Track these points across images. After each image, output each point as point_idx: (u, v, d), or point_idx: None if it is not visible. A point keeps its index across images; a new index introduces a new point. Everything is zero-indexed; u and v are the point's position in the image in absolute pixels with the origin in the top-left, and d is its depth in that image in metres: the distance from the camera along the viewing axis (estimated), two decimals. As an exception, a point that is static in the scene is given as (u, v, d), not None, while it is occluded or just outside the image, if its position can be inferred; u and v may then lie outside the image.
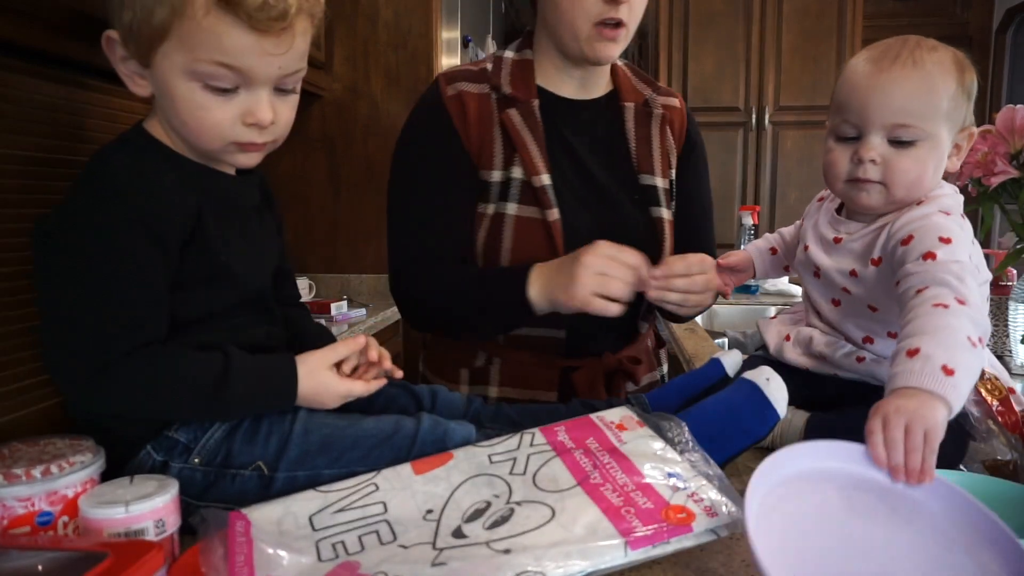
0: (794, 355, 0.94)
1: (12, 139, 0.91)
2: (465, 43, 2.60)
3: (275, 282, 0.86)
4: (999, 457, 0.79)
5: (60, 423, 0.79)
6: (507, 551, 0.57)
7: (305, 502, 0.66)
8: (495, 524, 0.61)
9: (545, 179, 1.05)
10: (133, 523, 0.59)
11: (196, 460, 0.71)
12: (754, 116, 3.63)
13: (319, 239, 2.46)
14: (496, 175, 1.06)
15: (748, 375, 0.79)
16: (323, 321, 1.70)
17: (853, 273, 0.86)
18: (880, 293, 0.84)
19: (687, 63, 3.64)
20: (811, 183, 3.58)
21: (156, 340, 0.69)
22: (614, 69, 1.16)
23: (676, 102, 1.18)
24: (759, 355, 1.00)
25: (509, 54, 1.12)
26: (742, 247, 1.16)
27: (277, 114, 0.73)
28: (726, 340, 1.80)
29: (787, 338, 0.96)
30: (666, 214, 1.12)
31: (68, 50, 0.93)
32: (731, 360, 0.93)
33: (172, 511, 0.62)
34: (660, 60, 3.65)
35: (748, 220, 2.69)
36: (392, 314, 2.22)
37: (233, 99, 0.70)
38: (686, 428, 0.72)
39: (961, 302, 0.69)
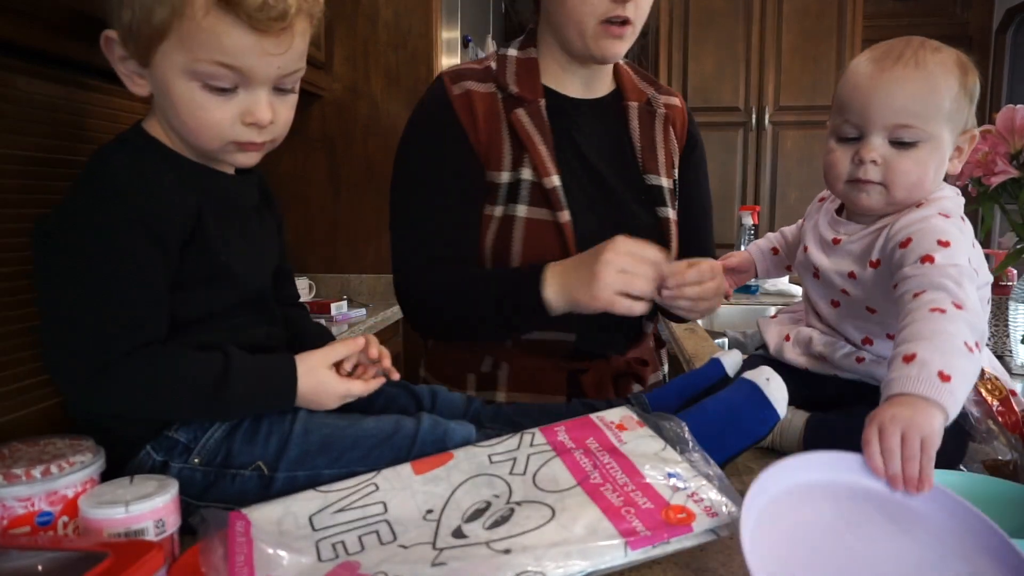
0: (794, 355, 0.94)
1: (12, 139, 0.91)
2: (465, 43, 2.60)
3: (275, 282, 0.86)
4: (999, 457, 0.79)
5: (60, 423, 0.79)
6: (507, 551, 0.57)
7: (305, 502, 0.66)
8: (495, 524, 0.61)
9: (555, 180, 1.03)
10: (133, 523, 0.59)
11: (196, 460, 0.71)
12: (754, 116, 3.63)
13: (319, 239, 2.46)
14: (505, 176, 1.04)
15: (748, 375, 0.79)
16: (323, 321, 1.70)
17: (852, 275, 0.86)
18: (878, 295, 0.83)
19: (687, 63, 3.64)
20: (811, 183, 3.58)
21: (156, 340, 0.69)
22: (616, 68, 1.15)
23: (677, 101, 1.18)
24: (759, 355, 1.00)
25: (512, 52, 1.11)
26: (743, 247, 1.16)
27: (276, 114, 0.73)
28: (726, 340, 1.80)
29: (787, 338, 0.96)
30: (672, 214, 1.12)
31: (68, 50, 0.93)
32: (731, 360, 0.93)
33: (172, 511, 0.62)
34: (660, 60, 3.65)
35: (748, 220, 2.69)
36: (392, 314, 2.22)
37: (232, 99, 0.70)
38: (686, 428, 0.72)
39: (958, 306, 0.68)
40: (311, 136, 2.42)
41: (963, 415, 0.77)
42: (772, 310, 1.08)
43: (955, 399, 0.62)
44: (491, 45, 2.97)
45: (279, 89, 0.73)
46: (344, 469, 0.71)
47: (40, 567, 0.51)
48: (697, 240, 1.17)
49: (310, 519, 0.64)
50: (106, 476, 0.66)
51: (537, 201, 1.04)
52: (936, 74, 0.79)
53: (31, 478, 0.60)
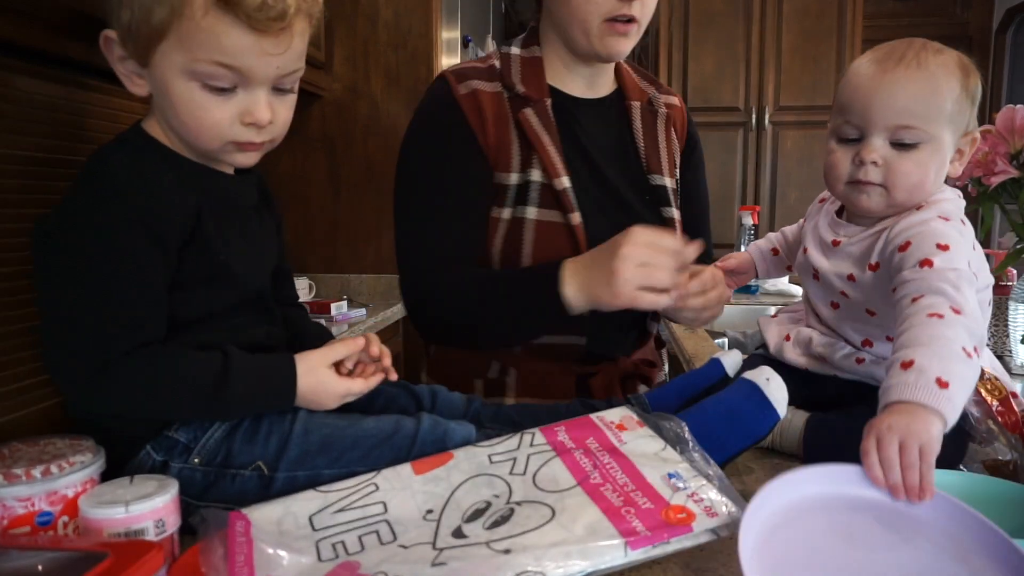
0: (794, 355, 0.93)
1: (12, 139, 0.91)
2: (465, 43, 2.60)
3: (274, 282, 0.86)
4: (999, 457, 0.79)
5: (60, 423, 0.79)
6: (507, 551, 0.57)
7: (305, 502, 0.66)
8: (495, 524, 0.61)
9: (566, 181, 1.01)
10: (133, 523, 0.59)
11: (196, 460, 0.71)
12: (754, 116, 3.63)
13: (319, 239, 2.46)
14: (513, 178, 1.02)
15: (748, 375, 0.79)
16: (323, 321, 1.70)
17: (851, 277, 0.85)
18: (878, 298, 0.83)
19: (687, 63, 3.64)
20: (811, 183, 3.58)
21: (156, 340, 0.69)
22: (617, 67, 1.15)
23: (676, 101, 1.18)
24: (759, 354, 1.00)
25: (516, 50, 1.09)
26: (743, 247, 1.16)
27: (275, 114, 0.73)
28: (726, 340, 1.80)
29: (787, 338, 0.96)
30: (677, 214, 1.11)
31: (68, 50, 0.93)
32: (731, 360, 0.93)
33: (172, 511, 0.62)
34: (660, 60, 3.65)
35: (748, 220, 2.69)
36: (392, 314, 2.22)
37: (231, 99, 0.70)
38: (686, 428, 0.72)
39: (956, 311, 0.68)
40: (311, 136, 2.42)
41: (963, 415, 0.77)
42: (772, 310, 1.08)
43: (953, 406, 0.62)
44: (491, 45, 2.97)
45: (278, 89, 0.73)
46: (344, 469, 0.71)
47: (40, 567, 0.51)
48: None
49: (310, 519, 0.64)
50: (106, 476, 0.66)
51: (547, 203, 1.02)
52: (938, 75, 0.78)
53: (31, 478, 0.60)
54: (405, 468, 0.70)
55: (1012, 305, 1.35)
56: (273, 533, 0.62)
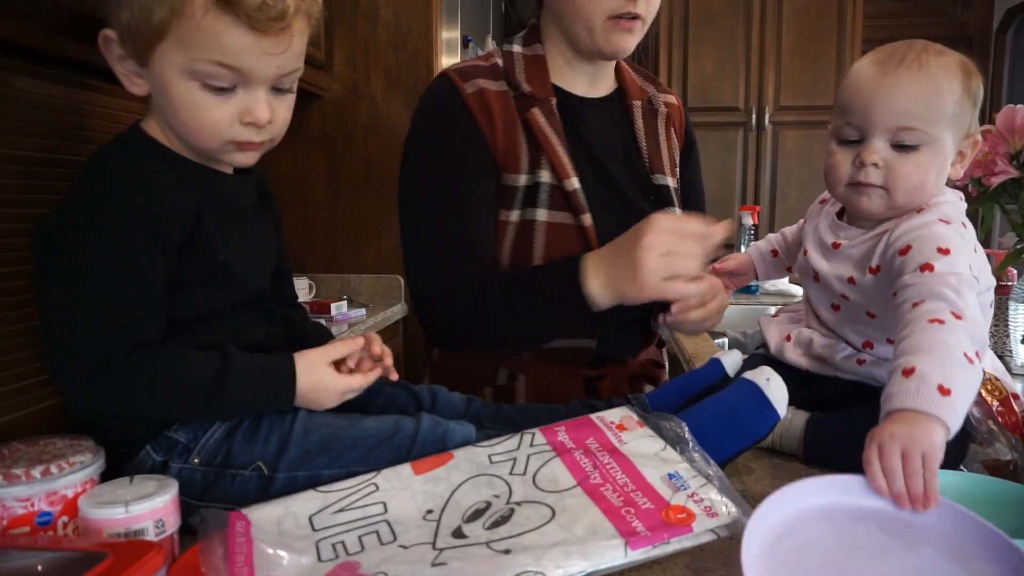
0: (794, 355, 0.93)
1: (12, 139, 0.91)
2: (465, 43, 2.60)
3: (274, 282, 0.86)
4: (999, 458, 0.78)
5: (60, 423, 0.79)
6: (507, 551, 0.57)
7: (305, 502, 0.66)
8: (495, 524, 0.61)
9: (575, 182, 1.00)
10: (133, 523, 0.59)
11: (196, 460, 0.71)
12: (754, 116, 3.63)
13: (319, 239, 2.46)
14: (522, 179, 1.00)
15: (748, 375, 0.79)
16: (323, 321, 1.69)
17: (851, 280, 0.85)
18: (878, 301, 0.83)
19: (687, 63, 3.64)
20: (811, 183, 3.58)
21: (156, 340, 0.69)
22: (617, 66, 1.14)
23: (674, 100, 1.18)
24: (759, 354, 1.00)
25: (518, 48, 1.07)
26: (743, 247, 1.16)
27: (274, 113, 0.73)
28: (726, 340, 1.80)
29: (788, 338, 0.95)
30: (680, 214, 1.11)
31: (68, 50, 0.93)
32: (731, 360, 0.93)
33: (172, 511, 0.62)
34: (660, 60, 3.65)
35: (748, 220, 2.68)
36: (392, 314, 2.22)
37: (231, 98, 0.70)
38: (686, 428, 0.72)
39: (957, 316, 0.67)
40: (311, 136, 2.41)
41: (963, 416, 0.77)
42: (772, 310, 1.08)
43: (955, 412, 0.61)
44: (491, 45, 2.97)
45: (277, 89, 0.73)
46: (344, 469, 0.71)
47: (40, 567, 0.51)
48: None
49: (310, 519, 0.64)
50: (106, 476, 0.66)
51: (557, 204, 1.00)
52: (939, 77, 0.78)
53: (31, 478, 0.60)
54: (405, 468, 0.70)
55: (1012, 305, 1.35)
56: (273, 533, 0.62)
